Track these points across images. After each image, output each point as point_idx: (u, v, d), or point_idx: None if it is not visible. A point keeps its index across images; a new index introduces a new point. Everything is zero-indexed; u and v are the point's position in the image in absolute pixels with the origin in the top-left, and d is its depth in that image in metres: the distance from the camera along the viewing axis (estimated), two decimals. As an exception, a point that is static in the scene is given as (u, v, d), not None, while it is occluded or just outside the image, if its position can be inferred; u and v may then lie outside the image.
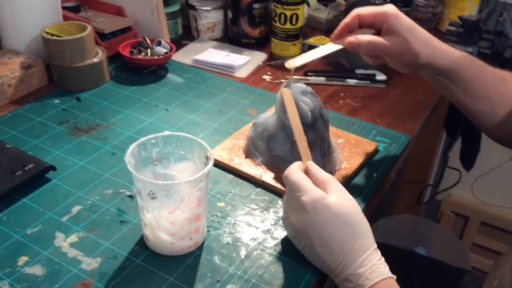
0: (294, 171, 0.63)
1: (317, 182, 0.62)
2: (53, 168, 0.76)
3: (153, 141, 0.64)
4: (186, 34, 1.27)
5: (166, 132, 0.65)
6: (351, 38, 0.72)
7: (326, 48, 0.75)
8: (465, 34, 1.22)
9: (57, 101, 0.95)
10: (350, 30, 0.74)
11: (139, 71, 1.07)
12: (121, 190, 0.75)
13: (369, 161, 0.84)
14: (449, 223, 1.82)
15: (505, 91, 0.77)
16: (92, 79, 1.00)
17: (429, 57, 0.72)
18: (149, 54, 1.06)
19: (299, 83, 0.76)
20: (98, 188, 0.75)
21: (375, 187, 0.79)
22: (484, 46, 1.21)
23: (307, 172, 0.64)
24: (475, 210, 1.76)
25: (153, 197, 0.59)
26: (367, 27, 0.74)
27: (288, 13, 1.11)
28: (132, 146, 0.62)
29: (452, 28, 1.27)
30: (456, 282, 0.99)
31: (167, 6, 1.16)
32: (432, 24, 1.35)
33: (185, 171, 0.67)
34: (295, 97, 0.74)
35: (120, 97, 0.98)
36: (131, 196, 0.74)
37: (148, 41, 1.08)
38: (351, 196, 0.62)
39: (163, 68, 1.09)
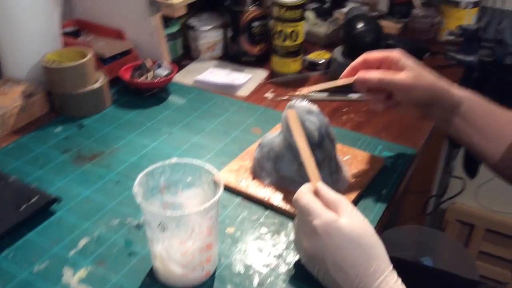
0: (304, 194, 0.62)
1: (327, 204, 0.61)
2: (58, 200, 0.74)
3: (161, 169, 0.63)
4: (186, 54, 1.27)
5: (174, 159, 0.64)
6: (360, 73, 0.75)
7: (337, 82, 0.80)
8: (465, 43, 1.22)
9: (59, 129, 0.94)
10: (357, 72, 0.77)
11: (140, 94, 1.06)
12: (128, 220, 0.73)
13: (377, 177, 0.83)
14: (454, 232, 1.81)
15: None
16: (94, 105, 0.99)
17: (438, 94, 0.74)
18: (150, 77, 1.06)
19: (304, 102, 0.75)
20: (104, 218, 0.74)
21: (385, 205, 0.78)
22: (484, 55, 1.21)
23: (317, 193, 0.63)
24: (480, 217, 1.75)
25: (164, 229, 0.58)
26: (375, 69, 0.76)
27: (288, 30, 1.11)
28: (139, 176, 0.61)
29: (451, 37, 1.27)
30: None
31: (166, 28, 1.16)
32: (430, 34, 1.35)
33: (194, 198, 0.66)
34: (301, 116, 0.73)
35: (123, 121, 0.98)
36: (138, 226, 0.72)
37: (149, 63, 1.07)
38: (363, 216, 0.61)
39: (164, 90, 1.09)
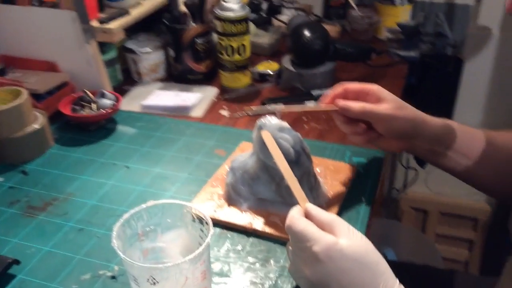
0: (297, 220, 0.57)
1: (322, 225, 0.57)
2: (16, 262, 0.65)
3: (137, 215, 0.57)
4: (126, 79, 1.19)
5: (150, 202, 0.58)
6: (342, 103, 0.73)
7: (317, 106, 0.77)
8: (406, 40, 1.24)
9: (1, 179, 0.84)
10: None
11: (85, 128, 0.98)
12: (100, 272, 0.66)
13: (353, 185, 0.81)
14: (410, 220, 1.85)
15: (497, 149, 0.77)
16: (36, 147, 0.90)
17: (418, 125, 0.73)
18: (94, 109, 0.98)
19: (273, 120, 0.72)
20: (73, 274, 0.66)
21: (368, 212, 0.76)
22: (425, 49, 1.24)
23: (307, 215, 0.59)
24: (433, 202, 1.80)
25: (154, 283, 0.51)
26: (353, 99, 0.75)
27: (235, 45, 1.07)
28: (116, 227, 0.54)
29: (391, 35, 1.29)
30: (448, 286, 0.98)
31: (102, 54, 1.08)
32: (370, 34, 1.36)
33: (176, 240, 0.60)
34: (273, 135, 0.69)
35: (71, 161, 0.89)
36: (113, 277, 0.65)
37: (90, 94, 0.99)
38: (360, 233, 0.58)
39: (111, 121, 1.01)
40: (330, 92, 0.75)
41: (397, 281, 0.56)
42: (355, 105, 0.72)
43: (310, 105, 0.76)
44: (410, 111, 0.73)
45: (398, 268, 0.57)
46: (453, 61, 1.22)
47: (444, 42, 1.18)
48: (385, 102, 0.72)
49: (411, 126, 0.73)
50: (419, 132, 0.74)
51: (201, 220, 0.57)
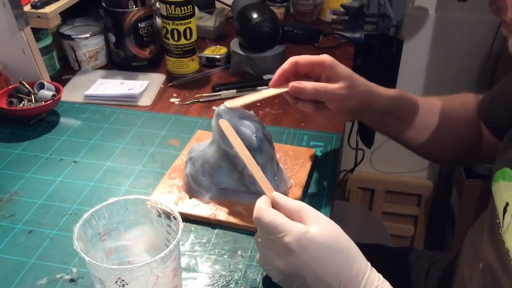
0: (265, 211, 0.56)
1: (290, 214, 0.56)
2: (-40, 273, 0.59)
3: (98, 214, 0.53)
4: (64, 68, 1.12)
5: (111, 199, 0.54)
6: (295, 84, 0.70)
7: (269, 91, 0.72)
8: (351, 21, 1.25)
9: None
10: (287, 77, 0.72)
11: (24, 123, 0.90)
12: (58, 275, 0.61)
13: (313, 169, 0.81)
14: (357, 199, 1.90)
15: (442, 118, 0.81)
16: (-30, 145, 0.82)
17: (370, 101, 0.73)
18: (33, 101, 0.90)
19: (233, 107, 0.69)
20: (28, 280, 0.61)
21: (330, 195, 0.76)
22: (369, 30, 1.26)
23: (275, 205, 0.58)
24: (378, 181, 1.86)
25: (123, 285, 0.48)
26: (304, 75, 0.73)
27: (181, 28, 1.02)
28: (76, 228, 0.50)
29: (336, 16, 1.29)
30: (404, 263, 1.01)
31: (38, 41, 1.00)
32: (314, 15, 1.36)
33: (141, 237, 0.57)
34: (234, 123, 0.67)
35: (12, 159, 0.82)
36: (72, 280, 0.61)
37: (27, 85, 0.92)
38: (329, 219, 0.57)
39: (52, 113, 0.94)
40: (279, 70, 0.71)
41: (369, 264, 0.56)
42: (308, 87, 0.70)
43: (262, 91, 0.72)
44: (362, 87, 0.73)
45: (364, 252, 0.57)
46: (396, 41, 1.25)
47: (388, 23, 1.20)
48: (338, 79, 0.71)
49: (362, 103, 0.73)
50: (368, 107, 0.74)
51: (168, 215, 0.54)
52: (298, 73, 0.73)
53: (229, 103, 0.68)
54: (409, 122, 0.79)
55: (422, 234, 1.87)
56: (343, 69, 0.72)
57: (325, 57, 0.71)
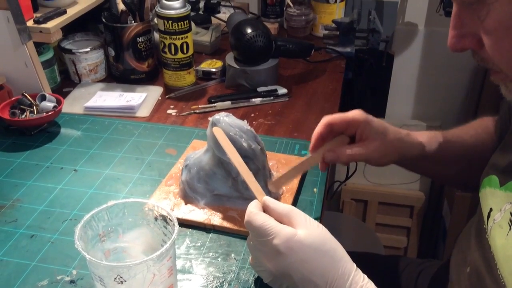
0: (255, 214, 0.59)
1: (279, 217, 0.59)
2: (-35, 274, 0.62)
3: (98, 216, 0.56)
4: (65, 80, 1.15)
5: (111, 202, 0.57)
6: (330, 154, 0.71)
7: (306, 164, 0.73)
8: (342, 36, 1.30)
9: None
10: (323, 138, 0.73)
11: (26, 133, 0.94)
12: (58, 277, 0.64)
13: (304, 177, 0.84)
14: (351, 211, 1.93)
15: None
16: (-26, 154, 0.85)
17: (403, 152, 0.76)
18: (35, 112, 0.94)
19: (226, 117, 0.73)
20: (30, 281, 0.63)
21: (320, 202, 0.79)
22: (360, 44, 1.30)
23: (265, 209, 0.61)
24: (371, 192, 1.89)
25: (121, 281, 0.51)
26: (340, 133, 0.74)
27: (178, 43, 1.06)
28: (77, 229, 0.53)
29: (327, 32, 1.33)
30: (394, 270, 1.04)
31: (40, 55, 1.04)
32: (307, 31, 1.41)
33: (138, 238, 0.60)
34: (227, 132, 0.71)
35: (15, 167, 0.85)
36: (72, 281, 0.64)
37: (29, 97, 0.95)
38: (316, 222, 0.60)
39: (53, 124, 0.97)
40: (315, 133, 0.73)
41: (354, 265, 0.59)
42: (342, 155, 0.71)
43: (302, 165, 0.73)
44: (396, 142, 0.74)
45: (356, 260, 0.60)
46: (385, 56, 1.29)
47: (377, 38, 1.25)
48: (373, 137, 0.72)
49: (397, 157, 0.75)
50: (403, 157, 0.76)
51: (164, 218, 0.57)
52: (333, 132, 0.73)
53: (271, 185, 0.72)
54: (446, 163, 0.82)
55: (415, 245, 1.89)
56: (376, 124, 0.73)
57: (358, 115, 0.72)
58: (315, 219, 0.74)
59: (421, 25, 1.58)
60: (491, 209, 0.63)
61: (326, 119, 0.73)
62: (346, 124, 0.72)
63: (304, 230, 0.57)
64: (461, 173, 0.84)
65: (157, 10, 1.06)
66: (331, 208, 1.98)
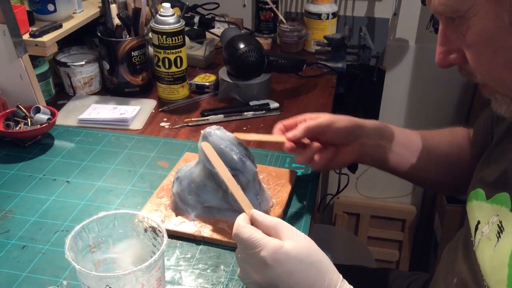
0: (243, 227, 0.60)
1: (267, 230, 0.60)
2: (-44, 284, 0.63)
3: (88, 227, 0.57)
4: (60, 93, 1.17)
5: (101, 213, 0.58)
6: (289, 134, 0.79)
7: (271, 137, 0.82)
8: (333, 52, 1.32)
9: None
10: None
11: (20, 145, 0.95)
12: (49, 288, 0.65)
13: (294, 190, 0.85)
14: (343, 224, 1.94)
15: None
16: (-32, 165, 0.86)
17: (359, 121, 0.82)
18: (29, 124, 0.95)
19: (217, 131, 0.74)
20: (20, 293, 0.64)
21: (309, 215, 0.80)
22: (351, 60, 1.32)
23: (253, 221, 0.62)
24: (363, 206, 1.90)
25: (111, 291, 0.52)
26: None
27: (172, 57, 1.08)
28: (68, 239, 0.54)
29: (319, 47, 1.36)
30: (383, 283, 1.05)
31: (35, 68, 1.05)
32: (299, 46, 1.43)
33: (128, 249, 0.61)
34: (218, 145, 0.72)
35: (8, 179, 0.86)
36: (63, 292, 0.64)
37: (24, 109, 0.97)
38: (303, 234, 0.62)
39: (47, 136, 0.98)
40: (275, 130, 0.82)
41: (340, 276, 0.60)
42: (300, 127, 0.78)
43: (265, 136, 0.84)
44: (345, 116, 0.81)
45: (346, 272, 0.61)
46: (376, 71, 1.31)
47: (368, 54, 1.27)
48: (321, 115, 0.80)
49: (352, 123, 0.80)
50: (362, 128, 0.81)
51: (153, 229, 0.58)
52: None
53: (236, 134, 0.75)
54: (406, 146, 0.85)
55: (407, 258, 1.90)
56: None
57: (305, 114, 0.82)
58: (305, 231, 0.76)
59: (412, 41, 1.61)
60: (478, 222, 0.65)
61: (280, 123, 0.83)
62: (295, 121, 0.82)
63: (290, 242, 0.58)
64: (441, 177, 0.87)
65: (151, 25, 1.08)
66: (323, 221, 1.99)
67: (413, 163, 0.85)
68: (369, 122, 0.83)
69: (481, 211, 0.65)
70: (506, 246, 0.56)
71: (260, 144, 0.99)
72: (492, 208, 0.63)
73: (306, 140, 0.80)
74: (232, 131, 1.02)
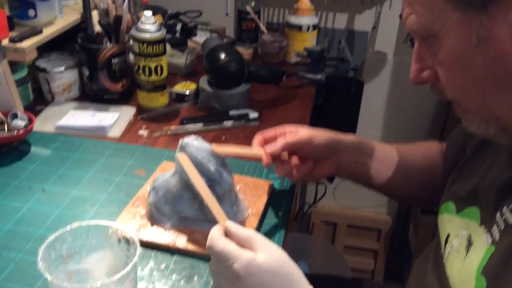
0: (216, 240, 0.61)
1: (241, 242, 0.61)
2: None
3: (62, 237, 0.57)
4: (38, 98, 1.16)
5: (75, 224, 0.59)
6: (269, 149, 0.79)
7: (248, 151, 0.82)
8: (313, 63, 1.34)
9: None
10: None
11: (-4, 150, 0.94)
12: (21, 297, 0.65)
13: (270, 200, 0.86)
14: (321, 233, 1.96)
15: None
16: None
17: (337, 136, 0.83)
18: (6, 130, 0.94)
19: (195, 141, 0.75)
20: (-9, 302, 0.64)
21: (284, 226, 0.81)
22: (330, 72, 1.34)
23: (227, 233, 0.63)
24: (340, 215, 1.93)
25: (82, 303, 0.52)
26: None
27: (152, 65, 1.09)
28: (41, 250, 0.55)
29: (299, 59, 1.38)
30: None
31: (13, 73, 1.05)
32: (280, 57, 1.45)
33: (102, 260, 0.61)
34: (195, 155, 0.73)
35: (-18, 185, 0.85)
36: (35, 302, 0.64)
37: (1, 115, 0.96)
38: (276, 246, 0.63)
39: (24, 142, 0.98)
40: (254, 142, 0.83)
41: (311, 287, 0.61)
42: (279, 143, 0.79)
43: (245, 149, 0.82)
44: (323, 131, 0.82)
45: (311, 280, 0.62)
46: (354, 83, 1.34)
47: (347, 66, 1.29)
48: (300, 130, 0.81)
49: (331, 139, 0.82)
50: (340, 144, 0.82)
51: (127, 240, 0.59)
52: (268, 141, 0.83)
53: (214, 147, 0.75)
54: (379, 160, 0.86)
55: (382, 268, 1.93)
56: (301, 126, 0.83)
57: (284, 127, 0.83)
58: (279, 242, 0.77)
59: (390, 54, 1.64)
60: (448, 235, 0.67)
61: (260, 134, 0.83)
62: (274, 134, 0.83)
63: (263, 254, 0.59)
64: (414, 191, 0.89)
65: (132, 33, 1.08)
66: (301, 230, 2.01)
67: (388, 178, 0.87)
68: (347, 138, 0.85)
69: (452, 224, 0.67)
70: (474, 260, 0.58)
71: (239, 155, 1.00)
72: (462, 221, 0.65)
73: (285, 155, 0.81)
74: (211, 141, 1.03)
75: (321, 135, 0.82)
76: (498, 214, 0.56)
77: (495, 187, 0.59)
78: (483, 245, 0.57)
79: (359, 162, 0.85)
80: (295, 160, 0.80)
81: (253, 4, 1.48)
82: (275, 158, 0.80)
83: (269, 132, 0.84)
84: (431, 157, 0.90)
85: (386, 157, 0.87)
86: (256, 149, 0.81)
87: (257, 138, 0.83)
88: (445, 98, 0.59)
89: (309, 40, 1.43)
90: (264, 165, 0.79)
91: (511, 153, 0.58)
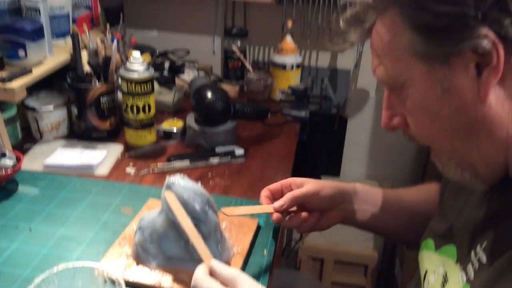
0: (201, 280, 0.62)
1: (225, 282, 0.62)
2: None
3: (48, 280, 0.58)
4: (26, 136, 1.17)
5: (61, 266, 0.59)
6: (276, 204, 0.80)
7: (256, 209, 0.83)
8: (297, 101, 1.38)
9: None
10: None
11: (-18, 189, 0.95)
12: None
13: (256, 238, 0.87)
14: (308, 269, 1.95)
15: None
16: None
17: (342, 187, 0.84)
18: (-7, 169, 0.95)
19: (181, 180, 0.77)
20: None
21: (269, 264, 0.82)
22: (313, 109, 1.38)
23: (212, 272, 0.64)
24: (327, 251, 1.93)
25: None
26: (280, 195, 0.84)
27: (140, 104, 1.11)
28: (27, 292, 0.55)
29: (284, 96, 1.41)
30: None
31: (2, 112, 1.06)
32: (266, 94, 1.48)
33: (88, 301, 0.61)
34: (181, 194, 0.74)
35: (-32, 225, 0.85)
36: None
37: (-12, 154, 0.97)
38: (261, 285, 0.64)
39: (11, 181, 0.98)
40: (261, 197, 0.84)
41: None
42: (287, 198, 0.80)
43: (255, 207, 0.84)
44: (328, 182, 0.84)
45: None
46: (337, 120, 1.37)
47: (329, 104, 1.33)
48: (306, 183, 0.82)
49: (336, 191, 0.82)
50: (345, 194, 0.83)
51: (113, 282, 0.59)
52: (275, 196, 0.85)
53: (226, 211, 0.78)
54: (382, 209, 0.86)
55: (369, 303, 1.92)
56: (306, 178, 0.84)
57: (289, 179, 0.85)
58: (263, 281, 0.77)
59: (372, 92, 1.69)
60: (426, 272, 0.68)
61: (267, 188, 0.84)
62: (280, 186, 0.85)
63: None
64: (419, 234, 0.90)
65: (121, 72, 1.11)
66: (288, 266, 2.00)
67: (394, 226, 0.87)
68: (351, 187, 0.85)
69: (430, 261, 0.69)
70: None
71: (224, 189, 1.01)
72: (439, 258, 0.67)
73: (293, 208, 0.83)
74: (197, 179, 1.05)
75: (327, 187, 0.83)
76: (472, 253, 0.58)
77: (469, 226, 0.61)
78: (458, 283, 0.59)
79: (364, 211, 0.86)
80: (304, 214, 0.81)
81: (239, 43, 1.52)
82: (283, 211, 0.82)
83: (275, 186, 0.85)
84: (434, 200, 0.91)
85: (390, 205, 0.88)
86: (265, 207, 0.82)
87: (264, 193, 0.84)
88: (417, 143, 0.61)
89: (293, 78, 1.47)
90: (273, 220, 0.80)
91: (483, 194, 0.61)
